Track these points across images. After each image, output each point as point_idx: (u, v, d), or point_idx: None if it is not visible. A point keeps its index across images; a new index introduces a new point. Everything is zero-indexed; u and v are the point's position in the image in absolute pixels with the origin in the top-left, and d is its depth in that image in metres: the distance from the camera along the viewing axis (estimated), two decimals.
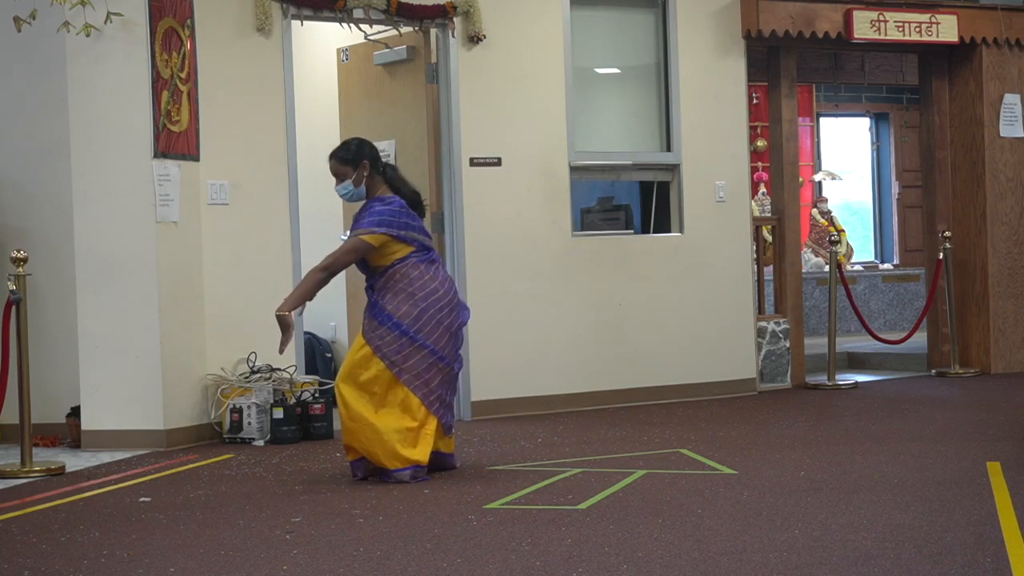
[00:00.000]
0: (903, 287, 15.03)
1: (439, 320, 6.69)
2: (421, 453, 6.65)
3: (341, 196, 6.91)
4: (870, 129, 17.57)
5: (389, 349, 6.61)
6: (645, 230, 10.15)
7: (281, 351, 6.70)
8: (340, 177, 6.81)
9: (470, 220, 9.24)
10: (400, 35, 9.18)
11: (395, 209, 6.71)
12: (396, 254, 6.69)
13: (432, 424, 6.70)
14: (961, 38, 10.94)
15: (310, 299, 6.77)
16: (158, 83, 8.03)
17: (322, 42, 10.11)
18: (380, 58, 9.55)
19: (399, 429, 6.60)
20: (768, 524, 5.33)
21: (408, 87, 9.41)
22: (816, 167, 16.82)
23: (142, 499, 6.37)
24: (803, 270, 11.80)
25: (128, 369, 8.05)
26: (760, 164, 14.96)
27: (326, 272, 6.73)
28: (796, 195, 10.86)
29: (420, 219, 6.85)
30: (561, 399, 9.50)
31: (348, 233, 6.91)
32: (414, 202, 6.84)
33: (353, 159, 6.77)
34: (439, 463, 6.85)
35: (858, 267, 16.04)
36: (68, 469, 7.35)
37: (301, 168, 8.88)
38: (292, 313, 6.65)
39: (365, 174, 6.77)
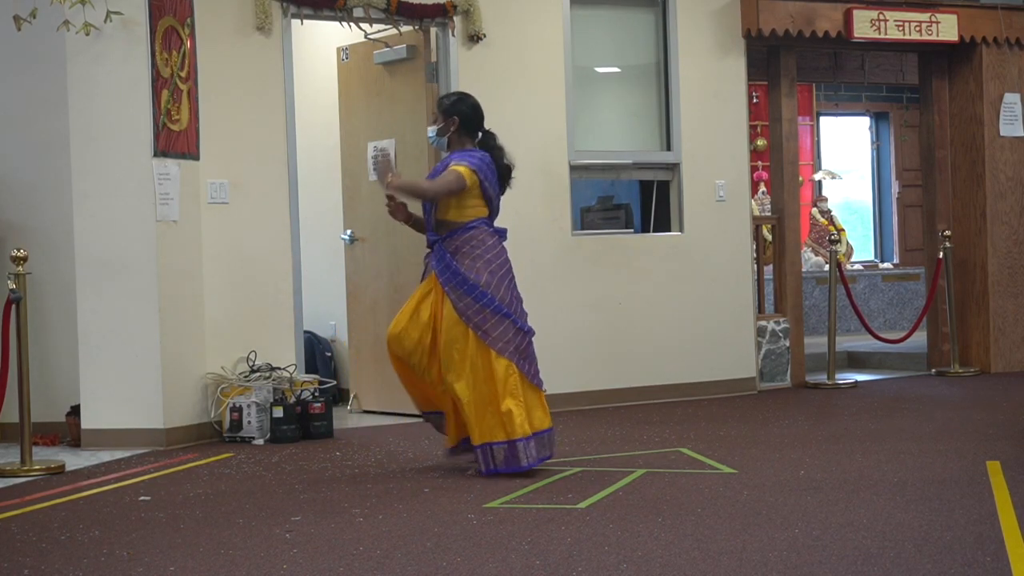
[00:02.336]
0: (903, 286, 15.03)
1: (508, 288, 6.74)
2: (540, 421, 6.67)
3: (429, 138, 7.02)
4: (870, 128, 17.58)
5: (478, 319, 6.63)
6: (645, 229, 10.15)
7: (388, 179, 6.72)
8: (435, 120, 6.92)
9: None
10: (400, 34, 9.18)
11: (484, 160, 6.77)
12: (471, 209, 6.72)
13: (532, 393, 6.70)
14: (961, 37, 10.94)
15: (402, 193, 6.79)
16: (158, 82, 8.03)
17: (322, 41, 10.11)
18: (380, 57, 9.54)
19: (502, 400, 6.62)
20: (768, 523, 5.33)
21: (408, 86, 9.40)
22: (816, 166, 16.82)
23: (142, 498, 6.37)
24: (803, 269, 11.80)
25: (128, 368, 8.05)
26: (760, 163, 14.96)
27: (429, 194, 6.73)
28: (796, 194, 10.87)
29: (500, 191, 6.89)
30: (561, 398, 9.50)
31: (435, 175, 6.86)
32: (505, 174, 6.88)
33: (446, 109, 6.84)
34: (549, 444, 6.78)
35: (858, 266, 16.05)
36: (68, 468, 7.35)
37: (301, 167, 8.89)
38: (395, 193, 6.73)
39: (453, 128, 6.82)
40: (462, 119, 6.83)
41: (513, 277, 6.83)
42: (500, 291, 6.70)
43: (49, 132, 8.40)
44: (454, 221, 6.74)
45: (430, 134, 6.94)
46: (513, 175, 6.99)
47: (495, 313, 6.65)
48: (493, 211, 6.85)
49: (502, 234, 6.89)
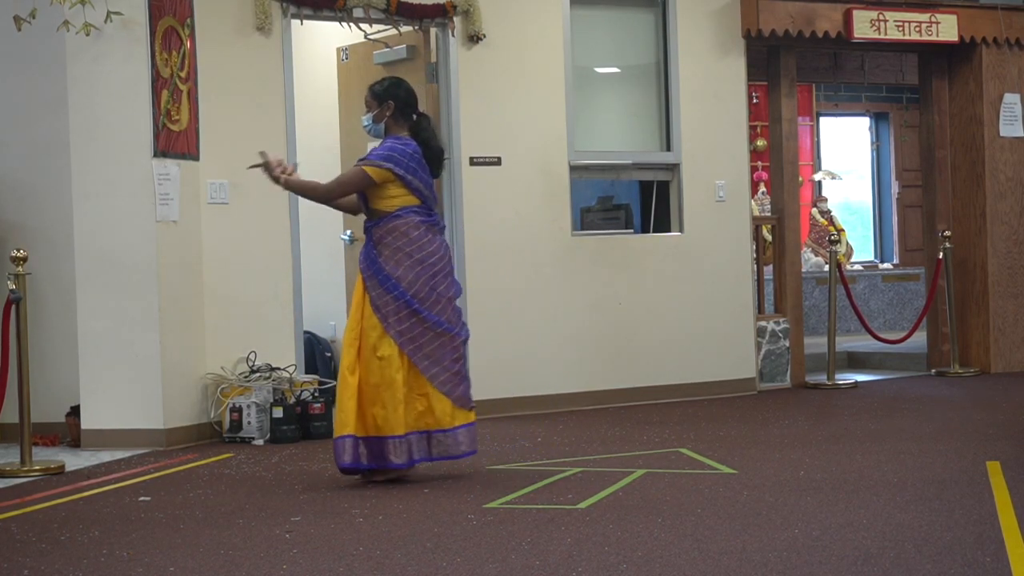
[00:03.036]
0: (903, 287, 15.03)
1: (433, 286, 6.57)
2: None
3: (363, 127, 6.84)
4: (870, 128, 17.57)
5: (393, 318, 6.50)
6: (645, 229, 10.15)
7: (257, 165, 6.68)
8: (367, 108, 6.77)
9: (470, 219, 9.24)
10: (400, 34, 9.18)
11: (407, 151, 6.60)
12: (398, 199, 6.56)
13: (433, 395, 6.58)
14: (961, 38, 10.94)
15: (294, 192, 6.84)
16: (158, 82, 8.03)
17: (322, 41, 10.11)
18: (380, 57, 9.55)
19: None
20: (768, 523, 5.33)
21: None
22: (816, 167, 16.82)
23: (142, 498, 6.37)
24: (803, 270, 11.80)
25: (128, 368, 8.05)
26: (760, 164, 14.96)
27: (322, 195, 6.68)
28: (796, 195, 10.87)
29: (432, 177, 6.72)
30: (561, 399, 9.50)
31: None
32: (435, 158, 6.73)
33: (380, 95, 6.71)
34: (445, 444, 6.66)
35: (858, 267, 16.04)
36: (68, 468, 7.35)
37: (301, 167, 8.86)
38: (273, 169, 6.63)
39: (388, 113, 6.68)
40: (397, 103, 6.67)
41: (443, 272, 6.62)
42: (416, 286, 6.52)
43: (49, 132, 8.40)
44: (380, 210, 6.59)
45: (365, 122, 6.75)
46: (446, 157, 6.84)
47: (405, 307, 6.49)
48: (426, 199, 6.64)
49: (434, 222, 6.66)
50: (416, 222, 6.59)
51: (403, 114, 6.71)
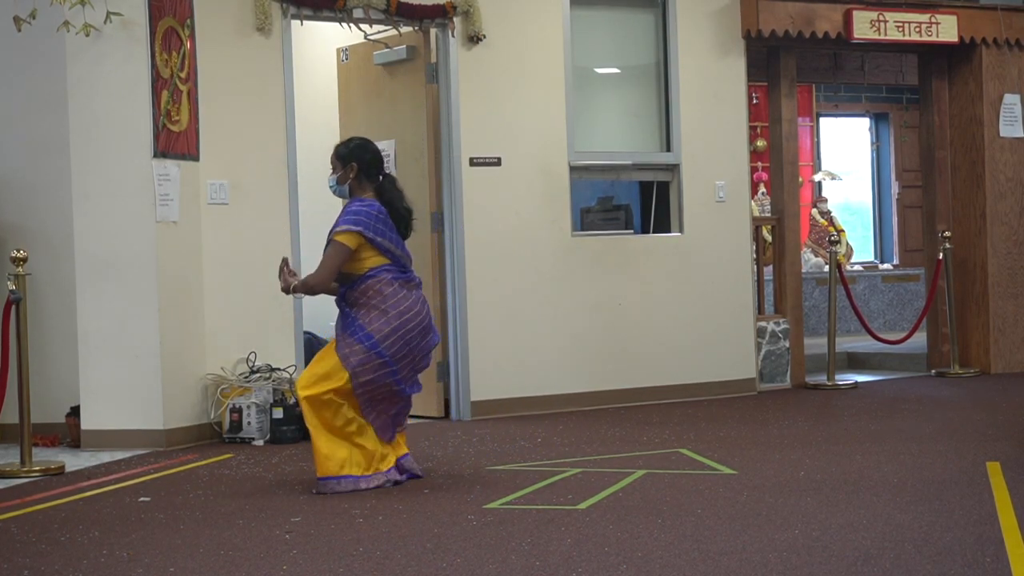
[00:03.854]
0: (903, 287, 15.03)
1: (408, 341, 6.55)
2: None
3: (329, 187, 6.80)
4: (870, 129, 17.57)
5: (355, 359, 6.46)
6: (645, 230, 10.15)
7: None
8: (333, 168, 6.74)
9: (470, 220, 9.25)
10: (400, 35, 9.18)
11: (371, 212, 6.57)
12: (368, 260, 6.56)
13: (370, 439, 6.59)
14: (961, 38, 10.94)
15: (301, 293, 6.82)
16: (158, 83, 8.04)
17: (322, 42, 10.11)
18: (380, 58, 9.55)
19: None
20: (768, 524, 5.33)
21: (408, 87, 9.41)
22: (816, 167, 16.82)
23: (142, 499, 6.37)
24: (803, 270, 11.80)
25: (128, 369, 8.05)
26: (760, 164, 14.96)
27: (318, 288, 6.66)
28: (796, 195, 10.87)
29: (400, 236, 6.70)
30: (561, 399, 9.50)
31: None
32: (401, 218, 6.71)
33: (344, 156, 6.69)
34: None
35: (858, 267, 16.04)
36: (68, 469, 7.35)
37: (301, 168, 8.88)
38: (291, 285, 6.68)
39: (351, 175, 6.66)
40: (361, 165, 6.65)
41: (419, 328, 6.59)
42: (390, 340, 6.49)
43: (49, 132, 8.40)
44: (352, 273, 6.58)
45: (330, 183, 6.73)
46: (414, 218, 6.82)
47: (376, 357, 6.47)
48: (397, 258, 6.64)
49: (409, 278, 6.66)
50: (389, 279, 6.58)
51: (368, 176, 6.69)
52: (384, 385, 6.53)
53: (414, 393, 6.75)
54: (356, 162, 6.67)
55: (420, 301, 6.66)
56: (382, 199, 6.68)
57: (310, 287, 6.68)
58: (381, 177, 6.74)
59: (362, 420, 6.56)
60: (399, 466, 6.69)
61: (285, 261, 6.76)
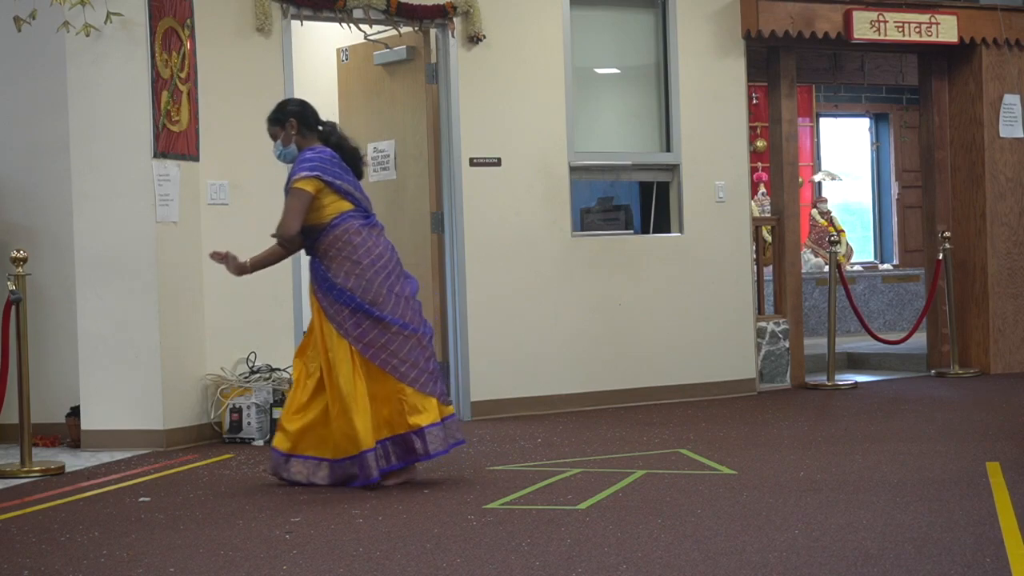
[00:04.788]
0: (903, 287, 15.03)
1: (389, 287, 6.46)
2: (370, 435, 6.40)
3: (276, 157, 6.76)
4: (870, 129, 17.57)
5: (349, 325, 6.40)
6: (645, 230, 10.15)
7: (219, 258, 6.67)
8: (273, 138, 6.70)
9: (470, 220, 9.25)
10: (400, 35, 9.18)
11: (324, 157, 6.51)
12: (331, 207, 6.47)
13: (411, 395, 6.44)
14: (961, 38, 10.94)
15: (260, 269, 6.75)
16: (158, 83, 8.04)
17: (322, 42, 10.11)
18: (380, 58, 9.55)
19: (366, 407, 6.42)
20: (767, 524, 5.33)
21: (408, 87, 9.41)
22: (816, 167, 16.82)
23: (142, 499, 6.37)
24: (803, 270, 11.80)
25: (128, 369, 8.05)
26: (760, 164, 14.96)
27: (284, 248, 6.61)
28: (796, 195, 10.87)
29: (357, 178, 6.63)
30: (561, 399, 9.50)
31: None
32: (352, 159, 6.64)
33: (279, 118, 6.65)
34: (442, 436, 6.52)
35: (858, 267, 16.04)
36: (68, 469, 7.35)
37: None
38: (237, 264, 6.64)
39: (293, 132, 6.61)
40: (298, 118, 6.61)
41: (395, 272, 6.51)
42: (372, 291, 6.41)
43: (49, 132, 8.40)
44: (316, 224, 6.49)
45: (277, 152, 6.70)
46: (363, 156, 6.74)
47: (365, 316, 6.40)
48: (358, 201, 6.56)
49: (373, 223, 6.56)
50: (356, 227, 6.51)
51: (308, 127, 6.64)
52: (391, 334, 6.42)
53: (429, 334, 6.57)
54: (293, 117, 6.63)
55: (388, 247, 6.57)
56: (329, 144, 6.64)
57: (277, 252, 6.63)
58: (321, 127, 6.69)
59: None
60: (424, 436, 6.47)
61: (214, 255, 6.69)
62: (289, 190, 6.51)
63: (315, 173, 6.45)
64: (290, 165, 6.68)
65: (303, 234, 6.54)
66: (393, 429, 6.47)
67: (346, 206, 6.52)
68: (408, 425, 6.45)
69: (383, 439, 6.45)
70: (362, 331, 6.42)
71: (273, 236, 6.68)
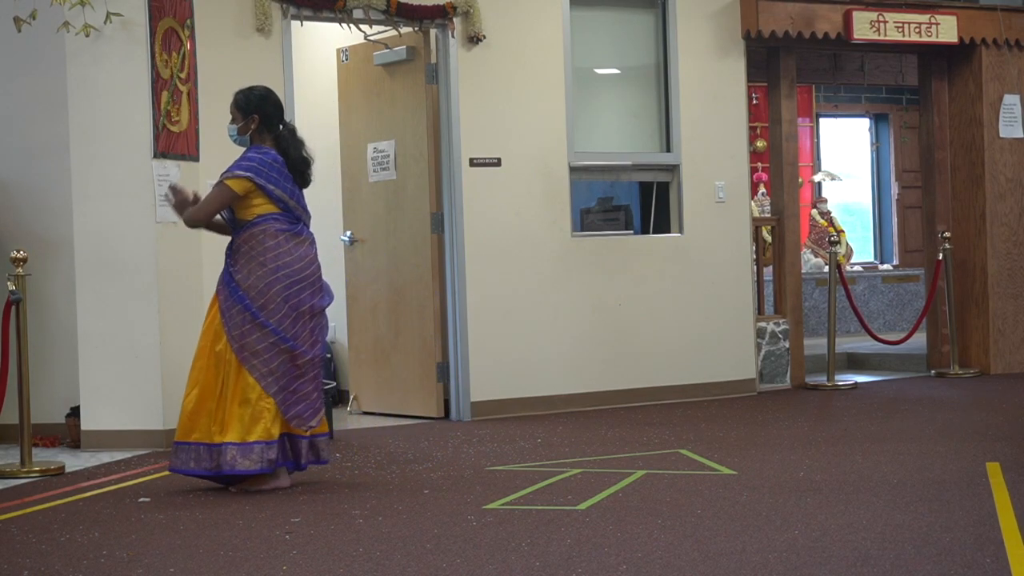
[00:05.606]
0: (903, 288, 15.03)
1: (286, 298, 6.45)
2: (254, 433, 6.37)
3: (229, 136, 6.77)
4: (870, 130, 17.56)
5: (232, 323, 6.43)
6: (645, 231, 10.16)
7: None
8: (232, 118, 6.71)
9: (470, 220, 9.25)
10: (400, 35, 9.18)
11: (266, 160, 6.54)
12: (257, 208, 6.51)
13: (268, 406, 6.41)
14: (961, 39, 10.94)
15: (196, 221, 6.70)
16: (158, 83, 8.04)
17: (322, 42, 10.11)
18: (380, 58, 9.55)
19: (235, 409, 6.42)
20: (767, 525, 5.33)
21: (408, 87, 9.41)
22: (816, 168, 16.81)
23: (142, 499, 6.37)
24: (803, 271, 11.79)
25: (128, 369, 8.05)
26: (760, 164, 14.96)
27: (194, 221, 6.63)
28: (796, 196, 10.87)
29: (297, 186, 6.64)
30: (561, 399, 9.50)
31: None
32: (297, 167, 6.65)
33: (245, 107, 6.65)
34: (294, 449, 6.54)
35: (858, 268, 16.04)
36: (68, 469, 7.35)
37: None
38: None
39: (253, 126, 6.63)
40: (262, 117, 6.63)
41: (303, 284, 6.49)
42: (266, 297, 6.42)
43: (49, 133, 8.40)
44: (241, 219, 6.56)
45: (230, 132, 6.71)
46: (313, 167, 6.74)
47: (250, 319, 6.40)
48: (289, 209, 6.55)
49: (297, 231, 6.56)
50: (274, 230, 6.52)
51: (268, 127, 6.66)
52: (268, 344, 6.40)
53: (312, 356, 6.53)
54: (257, 113, 6.65)
55: (306, 259, 6.55)
56: (279, 148, 6.65)
57: (189, 219, 6.66)
58: (281, 127, 6.71)
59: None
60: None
61: (172, 189, 6.71)
62: (219, 182, 6.57)
63: (248, 174, 6.51)
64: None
65: (236, 225, 6.59)
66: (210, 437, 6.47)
67: (273, 209, 6.56)
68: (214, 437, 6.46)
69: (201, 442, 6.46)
70: (242, 333, 6.43)
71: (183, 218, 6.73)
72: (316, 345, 6.58)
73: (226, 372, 6.46)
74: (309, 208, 6.81)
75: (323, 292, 6.64)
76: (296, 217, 6.63)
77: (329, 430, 6.92)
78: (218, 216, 6.68)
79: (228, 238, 6.74)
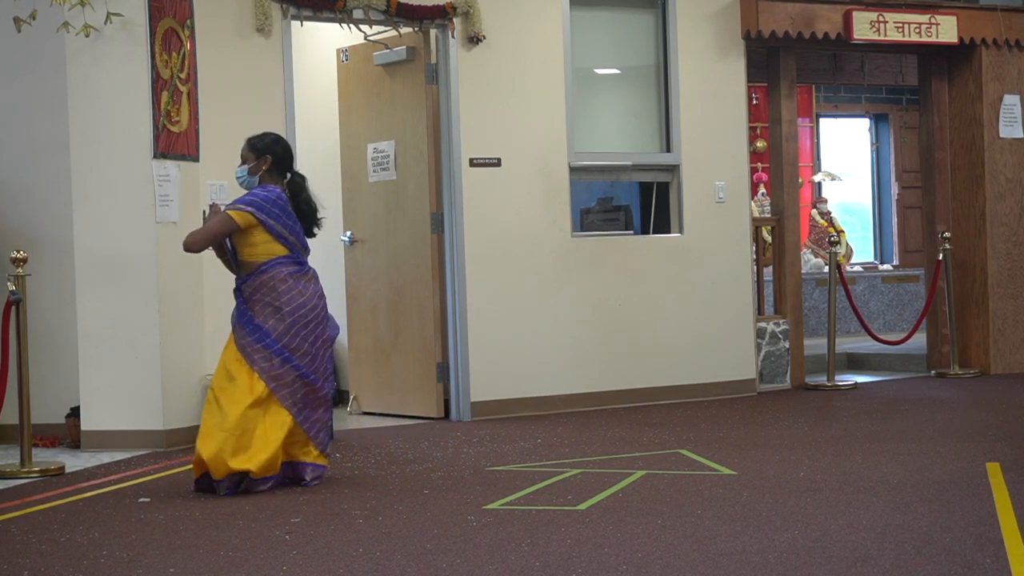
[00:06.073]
0: (903, 288, 15.03)
1: (305, 336, 6.58)
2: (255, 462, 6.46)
3: (236, 179, 6.79)
4: (869, 130, 17.56)
5: (258, 358, 6.51)
6: (645, 231, 10.15)
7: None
8: (243, 161, 6.74)
9: (470, 220, 9.25)
10: (400, 35, 9.18)
11: (271, 197, 6.59)
12: (263, 247, 6.57)
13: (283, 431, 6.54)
14: (961, 39, 10.94)
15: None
16: (158, 83, 8.04)
17: (322, 42, 10.11)
18: (380, 58, 9.55)
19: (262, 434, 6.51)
20: (767, 525, 5.33)
21: (408, 87, 9.41)
22: (816, 168, 16.81)
23: (142, 499, 6.37)
24: (803, 271, 11.79)
25: (128, 369, 8.05)
26: (760, 165, 14.96)
27: (194, 245, 6.66)
28: (796, 196, 10.87)
29: (301, 228, 6.71)
30: (561, 399, 9.50)
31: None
32: (302, 212, 6.73)
33: (259, 149, 6.70)
34: (295, 473, 6.68)
35: (858, 268, 16.04)
36: (68, 469, 7.35)
37: (301, 168, 8.84)
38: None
39: (264, 167, 6.68)
40: (275, 158, 6.69)
41: (315, 320, 6.63)
42: (287, 337, 6.53)
43: (49, 133, 8.40)
44: (248, 261, 6.62)
45: (238, 174, 6.74)
46: (321, 217, 6.84)
47: (277, 355, 6.51)
48: (293, 248, 6.64)
49: (304, 271, 6.68)
50: (284, 275, 6.60)
51: (279, 170, 6.73)
52: (296, 379, 6.53)
53: (328, 391, 6.71)
54: (271, 155, 6.70)
55: (315, 294, 6.69)
56: (289, 190, 6.72)
57: (187, 242, 6.70)
58: (291, 174, 6.79)
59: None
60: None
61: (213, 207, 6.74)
62: (224, 210, 6.61)
63: (250, 209, 6.56)
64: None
65: (243, 268, 6.64)
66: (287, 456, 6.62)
67: (279, 250, 6.61)
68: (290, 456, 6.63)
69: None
70: (275, 372, 6.52)
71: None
72: (329, 380, 6.77)
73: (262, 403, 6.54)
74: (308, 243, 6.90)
75: (331, 321, 6.80)
76: (298, 255, 6.70)
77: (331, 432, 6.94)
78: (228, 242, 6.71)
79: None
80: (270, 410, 6.52)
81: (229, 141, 8.47)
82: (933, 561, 4.65)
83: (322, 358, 6.68)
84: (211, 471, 6.44)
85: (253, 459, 6.45)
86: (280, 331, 6.54)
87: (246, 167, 6.72)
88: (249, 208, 6.56)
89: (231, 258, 6.73)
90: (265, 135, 6.82)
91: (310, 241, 6.86)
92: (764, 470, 6.70)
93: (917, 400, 9.70)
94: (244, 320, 6.59)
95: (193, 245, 6.68)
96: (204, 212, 6.82)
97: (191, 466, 6.63)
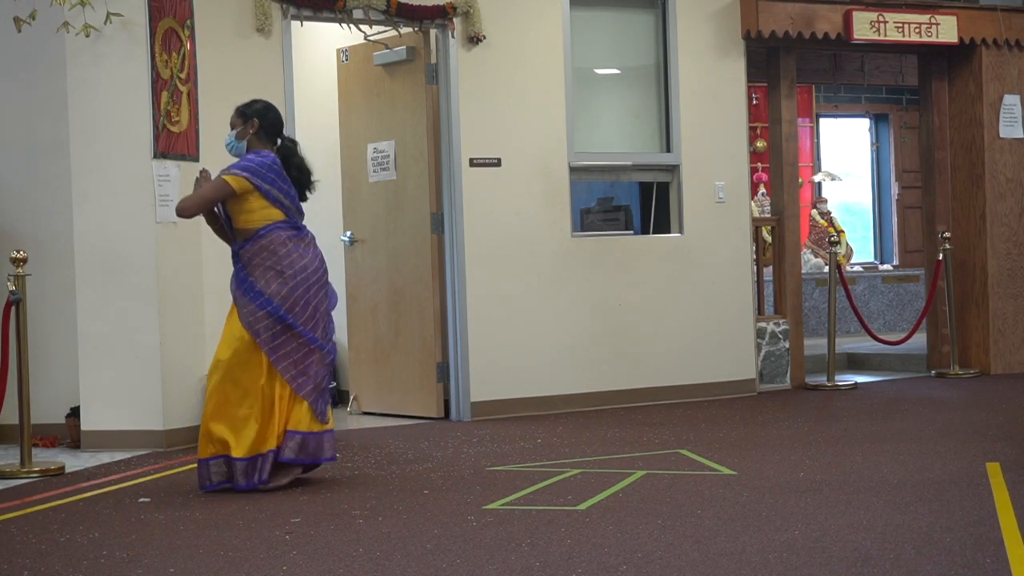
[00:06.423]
0: (903, 288, 15.03)
1: (307, 300, 6.53)
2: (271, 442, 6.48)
3: (225, 145, 6.77)
4: (870, 130, 17.57)
5: (262, 327, 6.46)
6: (645, 231, 10.15)
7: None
8: (232, 127, 6.73)
9: (470, 220, 9.25)
10: (400, 35, 9.18)
11: (266, 163, 6.57)
12: (259, 213, 6.54)
13: (299, 407, 6.53)
14: (961, 39, 10.94)
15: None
16: (158, 83, 8.04)
17: (322, 42, 10.11)
18: (380, 58, 9.55)
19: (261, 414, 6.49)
20: (768, 525, 5.33)
21: (408, 87, 9.41)
22: (816, 168, 16.82)
23: (141, 499, 6.37)
24: (803, 271, 11.79)
25: (128, 369, 8.05)
26: (760, 165, 14.96)
27: (187, 211, 6.64)
28: (796, 196, 10.87)
29: (296, 193, 6.67)
30: (561, 399, 9.50)
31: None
32: (298, 177, 6.70)
33: (247, 114, 6.69)
34: (309, 446, 6.58)
35: (858, 268, 16.04)
36: (68, 469, 7.35)
37: None
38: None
39: (251, 131, 6.66)
40: (263, 122, 6.67)
41: (317, 284, 6.59)
42: (290, 301, 6.49)
43: (49, 133, 8.40)
44: (245, 228, 6.58)
45: (227, 141, 6.72)
46: (314, 179, 6.80)
47: (279, 321, 6.47)
48: (289, 212, 6.60)
49: (302, 235, 6.63)
50: (283, 238, 6.57)
51: (267, 135, 6.71)
52: (298, 344, 6.50)
53: (330, 354, 6.66)
54: (258, 118, 6.69)
55: (316, 259, 6.65)
56: (279, 155, 6.70)
57: (179, 207, 6.68)
58: (280, 139, 6.76)
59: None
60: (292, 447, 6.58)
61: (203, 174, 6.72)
62: (218, 175, 6.59)
63: (245, 174, 6.53)
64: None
65: (239, 236, 6.60)
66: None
67: (276, 215, 6.58)
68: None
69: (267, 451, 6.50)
70: (277, 341, 6.48)
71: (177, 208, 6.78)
72: (333, 345, 6.73)
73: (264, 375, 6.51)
74: (319, 210, 6.88)
75: (331, 290, 6.76)
76: (295, 219, 6.67)
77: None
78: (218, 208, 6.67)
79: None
80: (277, 381, 6.50)
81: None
82: (933, 561, 4.65)
83: (322, 322, 6.61)
84: (232, 450, 6.42)
85: (268, 441, 6.47)
86: (283, 295, 6.48)
87: (234, 132, 6.70)
88: (244, 173, 6.53)
89: (224, 224, 6.69)
90: (254, 101, 6.79)
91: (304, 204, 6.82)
92: (764, 470, 6.70)
93: (917, 400, 9.70)
94: (245, 287, 6.53)
95: (186, 211, 6.66)
96: (197, 180, 6.77)
97: (194, 465, 6.62)
